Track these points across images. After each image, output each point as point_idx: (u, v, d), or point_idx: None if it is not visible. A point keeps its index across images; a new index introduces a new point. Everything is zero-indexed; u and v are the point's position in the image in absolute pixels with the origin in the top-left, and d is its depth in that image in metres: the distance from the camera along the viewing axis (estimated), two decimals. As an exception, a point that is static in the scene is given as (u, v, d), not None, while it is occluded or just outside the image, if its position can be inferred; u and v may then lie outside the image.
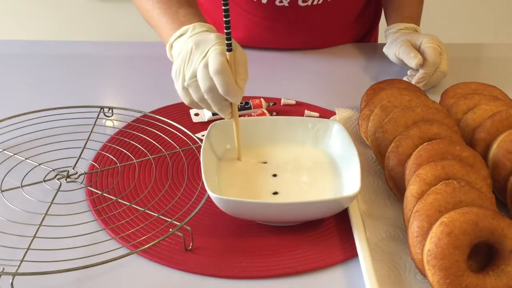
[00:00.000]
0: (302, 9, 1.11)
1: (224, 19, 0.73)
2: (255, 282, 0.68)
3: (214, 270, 0.69)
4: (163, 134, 0.89)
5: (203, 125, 0.93)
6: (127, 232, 0.72)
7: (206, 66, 0.74)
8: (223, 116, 0.78)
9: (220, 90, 0.73)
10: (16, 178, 0.80)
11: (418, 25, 1.15)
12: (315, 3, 1.10)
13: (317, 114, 0.97)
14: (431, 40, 1.04)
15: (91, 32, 2.43)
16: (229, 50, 0.73)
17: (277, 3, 1.10)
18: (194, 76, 0.75)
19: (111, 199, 0.77)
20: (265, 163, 0.82)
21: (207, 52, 0.74)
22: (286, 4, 1.10)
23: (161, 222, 0.74)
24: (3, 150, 0.84)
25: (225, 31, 0.73)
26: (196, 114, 0.96)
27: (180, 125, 0.90)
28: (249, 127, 0.84)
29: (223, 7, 0.73)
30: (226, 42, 0.73)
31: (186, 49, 0.76)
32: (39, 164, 0.82)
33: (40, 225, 0.71)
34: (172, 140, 0.88)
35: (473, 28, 2.47)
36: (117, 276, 0.68)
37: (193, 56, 0.75)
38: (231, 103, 0.77)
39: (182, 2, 0.86)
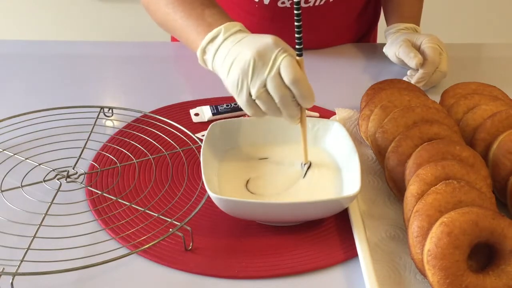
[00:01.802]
0: (304, 10, 1.11)
1: (296, 23, 0.72)
2: (255, 282, 0.68)
3: (214, 270, 0.69)
4: (163, 134, 0.89)
5: (203, 125, 0.93)
6: (127, 232, 0.72)
7: (277, 75, 0.71)
8: (291, 122, 0.76)
9: (299, 97, 0.72)
10: (16, 178, 0.80)
11: (418, 25, 1.15)
12: (317, 4, 1.10)
13: (317, 114, 0.97)
14: (431, 40, 1.04)
15: (91, 32, 2.43)
16: (300, 55, 0.73)
17: (279, 4, 1.10)
18: (262, 87, 0.72)
19: (111, 199, 0.77)
20: (266, 158, 0.82)
21: (274, 60, 0.72)
22: (288, 5, 1.10)
23: (161, 222, 0.74)
24: (3, 150, 0.84)
25: (296, 35, 0.73)
26: (196, 114, 0.96)
27: (180, 125, 0.90)
28: (250, 127, 0.84)
29: (295, 12, 0.72)
30: (297, 47, 0.73)
31: (244, 59, 0.72)
32: (39, 164, 0.82)
33: (40, 225, 0.71)
34: (172, 140, 0.88)
35: (473, 28, 2.47)
36: (117, 276, 0.68)
37: (259, 67, 0.71)
38: (301, 108, 0.75)
39: (206, 2, 0.83)
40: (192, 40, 0.82)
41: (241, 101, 0.74)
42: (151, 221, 0.74)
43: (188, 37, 0.83)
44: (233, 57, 0.74)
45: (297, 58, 0.73)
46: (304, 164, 0.80)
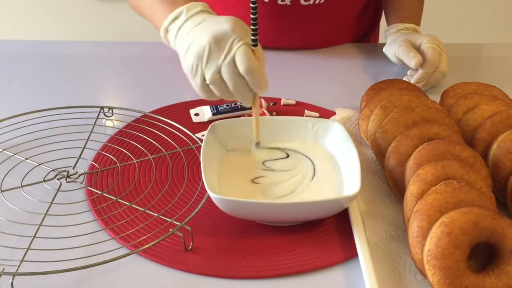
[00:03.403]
0: (304, 8, 1.11)
1: (252, 16, 0.72)
2: (255, 282, 0.68)
3: (214, 270, 0.69)
4: (163, 134, 0.89)
5: (203, 125, 0.93)
6: (127, 232, 0.72)
7: (232, 63, 0.72)
8: (245, 104, 0.77)
9: (253, 86, 0.73)
10: (16, 178, 0.80)
11: (418, 25, 1.15)
12: (317, 2, 1.10)
13: (317, 114, 0.97)
14: (431, 40, 1.04)
15: (91, 32, 2.43)
16: (255, 45, 0.73)
17: (279, 1, 1.10)
18: (217, 73, 0.73)
19: (111, 199, 0.77)
20: (266, 161, 0.82)
21: (230, 47, 0.72)
22: (288, 3, 1.10)
23: (161, 222, 0.74)
24: (3, 150, 0.84)
25: (251, 27, 0.72)
26: (196, 114, 0.96)
27: (180, 125, 0.90)
28: (250, 127, 0.84)
29: (251, 5, 0.72)
30: (252, 38, 0.73)
31: (200, 44, 0.73)
32: (39, 164, 0.82)
33: (40, 225, 0.71)
34: (172, 140, 0.88)
35: (473, 28, 2.47)
36: (117, 276, 0.68)
37: (213, 53, 0.73)
38: (254, 92, 0.76)
39: None
40: (157, 20, 0.84)
41: (195, 85, 0.76)
42: (151, 221, 0.74)
43: (154, 17, 0.85)
44: (190, 40, 0.75)
45: (253, 48, 0.73)
46: (256, 143, 0.81)
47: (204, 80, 0.75)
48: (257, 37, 0.73)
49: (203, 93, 0.76)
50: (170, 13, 0.80)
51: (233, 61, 0.72)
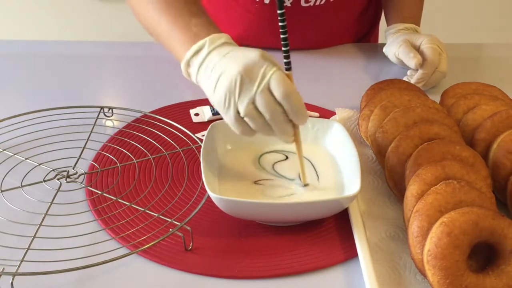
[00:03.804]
0: (304, 9, 1.11)
1: (282, 35, 0.69)
2: (255, 282, 0.68)
3: (214, 270, 0.69)
4: (163, 134, 0.89)
5: (203, 125, 0.93)
6: (127, 232, 0.72)
7: (266, 91, 0.68)
8: (285, 141, 0.73)
9: (291, 113, 0.69)
10: (16, 178, 0.80)
11: (418, 25, 1.15)
12: (317, 3, 1.10)
13: (317, 114, 0.97)
14: (431, 40, 1.04)
15: (91, 32, 2.43)
16: (288, 69, 0.71)
17: None
18: (252, 103, 0.69)
19: (111, 199, 0.77)
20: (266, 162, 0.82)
21: (263, 76, 0.68)
22: (289, 5, 1.10)
23: (161, 222, 0.74)
24: (3, 150, 0.84)
25: (283, 48, 0.70)
26: (196, 114, 0.96)
27: (180, 125, 0.90)
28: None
29: (280, 23, 0.69)
30: (285, 60, 0.71)
31: (230, 75, 0.69)
32: (39, 164, 0.82)
33: (40, 225, 0.71)
34: (172, 140, 0.88)
35: (473, 28, 2.47)
36: (117, 276, 0.68)
37: (246, 83, 0.68)
38: (293, 125, 0.72)
39: (193, 10, 0.80)
40: (176, 50, 0.79)
41: (229, 119, 0.71)
42: (151, 221, 0.74)
43: (172, 46, 0.80)
44: (219, 73, 0.71)
45: (286, 72, 0.71)
46: (304, 186, 0.78)
47: (238, 113, 0.70)
48: (290, 59, 0.71)
49: (238, 127, 0.72)
50: (192, 45, 0.75)
51: (268, 88, 0.69)
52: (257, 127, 0.71)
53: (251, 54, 0.70)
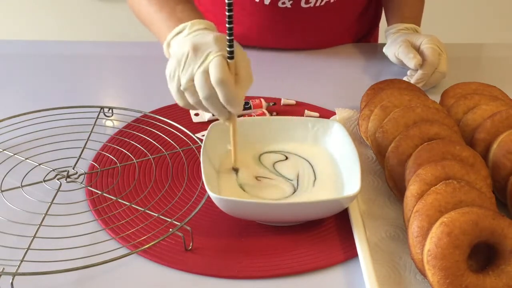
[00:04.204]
0: (304, 10, 1.11)
1: (227, 25, 0.70)
2: (255, 282, 0.68)
3: (214, 270, 0.69)
4: (163, 134, 0.89)
5: (203, 125, 0.93)
6: (127, 232, 0.72)
7: (205, 72, 0.72)
8: (220, 119, 0.76)
9: (223, 100, 0.71)
10: (16, 178, 0.80)
11: (419, 25, 1.15)
12: (317, 4, 1.10)
13: (317, 114, 0.97)
14: (431, 40, 1.04)
15: (91, 32, 2.43)
16: (231, 58, 0.72)
17: (279, 4, 1.09)
18: (191, 80, 0.73)
19: (111, 199, 0.77)
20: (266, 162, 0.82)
21: (206, 57, 0.72)
22: (289, 6, 1.10)
23: (161, 222, 0.74)
24: (3, 150, 0.84)
25: (227, 38, 0.71)
26: (196, 114, 0.96)
27: (180, 125, 0.90)
28: (249, 127, 0.84)
29: (226, 13, 0.70)
30: (228, 49, 0.71)
31: (182, 51, 0.74)
32: (39, 164, 0.82)
33: (40, 225, 0.71)
34: (172, 140, 0.88)
35: (473, 28, 2.47)
36: (117, 276, 0.68)
37: (190, 60, 0.73)
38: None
39: None
40: (162, 34, 0.84)
41: (171, 89, 0.76)
42: (151, 221, 0.74)
43: (159, 31, 0.85)
44: (177, 48, 0.76)
45: (229, 61, 0.72)
46: (233, 169, 0.79)
47: (180, 86, 0.75)
48: (233, 49, 0.71)
49: (179, 99, 0.76)
50: (174, 27, 0.81)
51: (207, 70, 0.72)
52: (194, 102, 0.75)
53: (207, 36, 0.74)
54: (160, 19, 0.85)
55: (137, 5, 0.93)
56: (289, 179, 0.79)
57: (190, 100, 0.75)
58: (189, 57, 0.73)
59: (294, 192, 0.77)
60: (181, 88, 0.75)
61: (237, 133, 0.78)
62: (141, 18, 0.94)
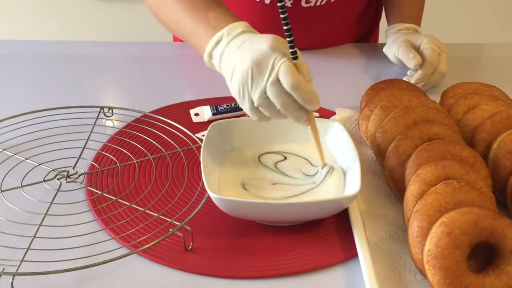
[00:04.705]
0: (305, 9, 1.11)
1: (285, 27, 0.71)
2: (255, 282, 0.68)
3: (214, 270, 0.69)
4: (163, 134, 0.89)
5: (203, 125, 0.93)
6: (127, 232, 0.72)
7: (276, 82, 0.71)
8: (300, 124, 0.76)
9: (301, 101, 0.72)
10: (16, 178, 0.80)
11: (419, 25, 1.15)
12: (318, 4, 1.10)
13: (317, 114, 0.97)
14: (431, 41, 1.04)
15: (91, 32, 2.43)
16: (295, 58, 0.72)
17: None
18: (263, 94, 0.72)
19: (111, 199, 0.77)
20: (264, 162, 0.82)
21: (272, 67, 0.71)
22: (289, 5, 1.10)
23: (161, 222, 0.74)
24: (3, 150, 0.84)
25: (287, 39, 0.71)
26: (196, 114, 0.96)
27: (180, 125, 0.90)
28: (249, 127, 0.84)
29: (281, 15, 0.71)
30: (290, 50, 0.72)
31: (243, 68, 0.72)
32: (39, 164, 0.82)
33: (40, 225, 0.71)
34: (172, 140, 0.88)
35: (473, 28, 2.47)
36: (117, 276, 0.68)
37: (256, 75, 0.72)
38: (307, 110, 0.74)
39: (210, 3, 0.83)
40: (198, 45, 0.82)
41: (245, 109, 0.75)
42: (151, 221, 0.74)
43: (195, 42, 0.83)
44: (233, 66, 0.74)
45: (294, 61, 0.72)
46: (323, 167, 0.79)
47: (253, 103, 0.74)
48: (295, 49, 0.72)
49: (255, 115, 0.75)
50: (211, 37, 0.79)
51: (277, 79, 0.71)
52: (271, 115, 0.75)
53: (261, 47, 0.73)
54: (194, 30, 0.83)
55: (161, 12, 0.91)
56: (293, 177, 0.79)
57: (267, 113, 0.74)
58: (254, 73, 0.72)
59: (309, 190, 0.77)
60: (255, 104, 0.73)
61: (317, 131, 0.78)
62: (168, 26, 0.91)
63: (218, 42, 0.78)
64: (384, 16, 1.23)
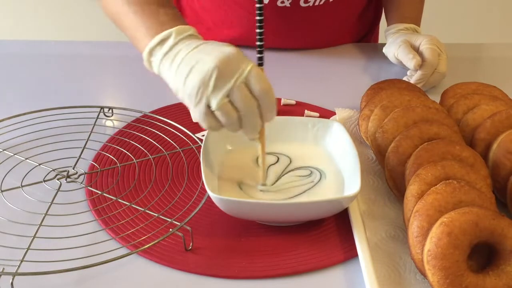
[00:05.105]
0: (304, 9, 1.11)
1: (258, 30, 0.68)
2: (255, 282, 0.68)
3: (214, 270, 0.69)
4: (163, 134, 0.89)
5: (203, 125, 0.93)
6: (127, 232, 0.72)
7: (245, 85, 0.68)
8: (251, 134, 0.72)
9: (265, 108, 0.69)
10: (16, 178, 0.80)
11: (419, 26, 1.15)
12: (316, 3, 1.10)
13: (317, 114, 0.97)
14: (430, 41, 1.04)
15: (91, 32, 2.43)
16: (261, 64, 0.70)
17: (278, 3, 1.09)
18: (226, 97, 0.68)
19: (111, 199, 0.77)
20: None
21: (242, 70, 0.68)
22: (288, 5, 1.10)
23: (161, 222, 0.74)
24: (3, 150, 0.84)
25: (258, 43, 0.69)
26: (196, 114, 0.96)
27: (180, 125, 0.90)
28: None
29: (257, 18, 0.68)
30: (258, 55, 0.70)
31: (205, 69, 0.67)
32: (39, 164, 0.82)
33: (40, 225, 0.71)
34: (172, 140, 0.88)
35: (473, 28, 2.47)
36: (117, 276, 0.68)
37: (223, 76, 0.67)
38: (262, 122, 0.72)
39: (162, 2, 0.80)
40: (141, 39, 0.77)
41: (198, 112, 0.70)
42: (151, 221, 0.74)
43: (137, 34, 0.79)
44: (190, 66, 0.69)
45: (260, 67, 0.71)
46: (262, 185, 0.78)
47: (209, 107, 0.69)
48: (263, 55, 0.70)
49: (206, 121, 0.70)
50: (157, 34, 0.75)
51: (245, 83, 0.68)
52: (227, 122, 0.70)
53: (227, 49, 0.69)
54: (139, 21, 0.79)
55: (113, 9, 0.86)
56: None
57: (223, 119, 0.69)
58: (219, 74, 0.67)
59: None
60: (213, 108, 0.68)
61: (265, 146, 0.76)
62: (113, 17, 0.87)
63: (164, 40, 0.74)
64: (384, 16, 1.24)
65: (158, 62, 0.75)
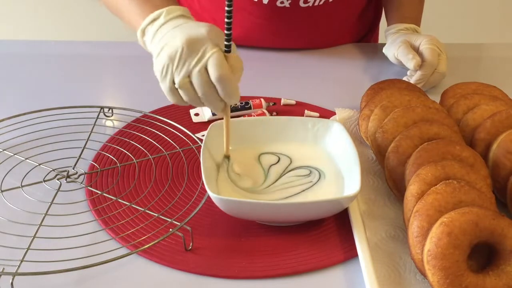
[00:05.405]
0: (303, 9, 1.11)
1: (226, 20, 0.70)
2: (255, 282, 0.68)
3: (214, 270, 0.69)
4: (163, 134, 0.89)
5: (203, 125, 0.93)
6: (127, 232, 0.72)
7: (204, 70, 0.71)
8: (215, 112, 0.77)
9: (224, 95, 0.72)
10: (16, 178, 0.80)
11: (419, 26, 1.15)
12: (316, 3, 1.10)
13: (317, 114, 0.97)
14: (430, 41, 1.04)
15: (91, 32, 2.43)
16: (228, 51, 0.72)
17: (278, 3, 1.09)
18: (186, 77, 0.72)
19: (111, 199, 0.77)
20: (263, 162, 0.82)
21: (203, 53, 0.70)
22: (287, 5, 1.10)
23: (161, 222, 0.74)
24: (3, 150, 0.84)
25: (225, 31, 0.70)
26: (196, 114, 0.96)
27: (180, 125, 0.90)
28: (249, 127, 0.84)
29: (226, 8, 0.70)
30: (226, 43, 0.71)
31: (174, 45, 0.71)
32: (39, 164, 0.82)
33: (40, 225, 0.71)
34: (172, 140, 0.88)
35: (473, 28, 2.47)
36: (117, 276, 0.68)
37: (186, 56, 0.71)
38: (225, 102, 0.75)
39: None
40: (135, 20, 0.81)
41: (163, 87, 0.74)
42: (151, 221, 0.74)
43: (132, 16, 0.83)
44: (165, 41, 0.73)
45: (226, 54, 0.71)
46: (225, 157, 0.80)
47: (173, 83, 0.73)
48: (231, 43, 0.71)
49: (171, 97, 0.75)
50: (148, 15, 0.78)
51: (205, 68, 0.71)
52: (189, 100, 0.74)
53: (199, 30, 0.72)
54: (133, 5, 0.82)
55: None
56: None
57: (185, 96, 0.74)
58: (183, 53, 0.71)
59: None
60: (176, 86, 0.73)
61: (229, 122, 0.78)
62: (113, 6, 0.91)
63: (154, 20, 0.78)
64: (384, 16, 1.24)
65: (149, 41, 0.78)
